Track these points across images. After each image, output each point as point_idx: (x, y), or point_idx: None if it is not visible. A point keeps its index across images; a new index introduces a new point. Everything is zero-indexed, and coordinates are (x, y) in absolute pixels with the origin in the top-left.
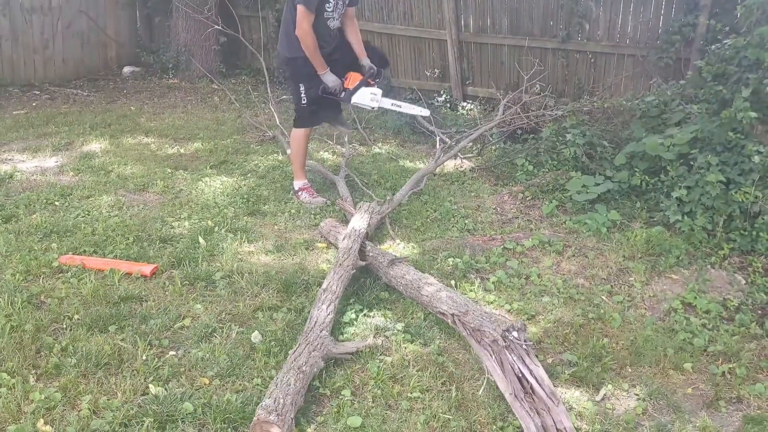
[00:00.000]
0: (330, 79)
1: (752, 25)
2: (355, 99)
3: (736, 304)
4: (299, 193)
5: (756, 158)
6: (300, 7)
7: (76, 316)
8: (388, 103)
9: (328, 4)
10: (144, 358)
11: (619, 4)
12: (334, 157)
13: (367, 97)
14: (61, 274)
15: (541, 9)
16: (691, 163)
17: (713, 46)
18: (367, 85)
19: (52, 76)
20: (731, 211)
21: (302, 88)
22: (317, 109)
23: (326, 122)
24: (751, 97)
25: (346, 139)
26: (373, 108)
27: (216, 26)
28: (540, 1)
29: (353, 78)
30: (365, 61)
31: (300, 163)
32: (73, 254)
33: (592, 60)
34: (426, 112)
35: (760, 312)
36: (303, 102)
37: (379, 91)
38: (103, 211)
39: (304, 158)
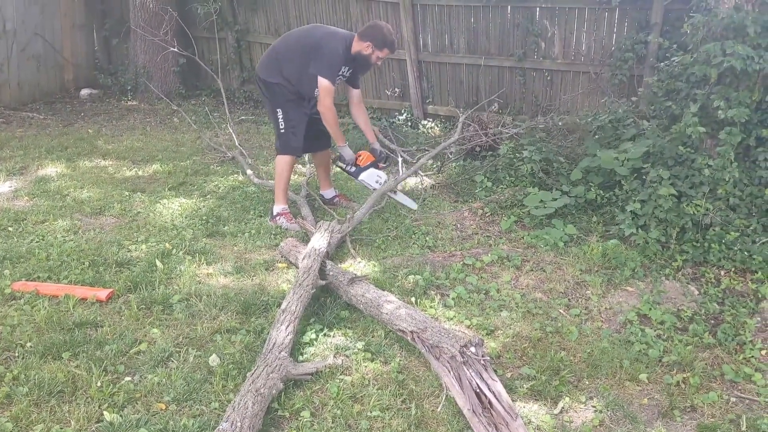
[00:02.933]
0: (347, 152)
1: (698, 42)
2: (363, 176)
3: (690, 315)
4: (277, 218)
5: (706, 171)
6: (324, 82)
7: (28, 344)
8: (387, 188)
9: (337, 80)
10: (99, 384)
11: (574, 23)
12: (295, 176)
13: (373, 178)
14: (13, 301)
15: (498, 28)
16: (644, 177)
17: (662, 64)
18: (376, 167)
19: (7, 99)
20: (684, 223)
21: (280, 114)
22: (298, 135)
23: (310, 152)
24: (699, 112)
25: (307, 159)
26: (374, 189)
27: (172, 48)
28: (496, 21)
29: (366, 157)
30: (376, 145)
31: (282, 187)
32: (27, 280)
33: (549, 78)
34: (414, 206)
35: (712, 322)
36: (281, 128)
37: (384, 176)
38: (58, 236)
39: (286, 183)
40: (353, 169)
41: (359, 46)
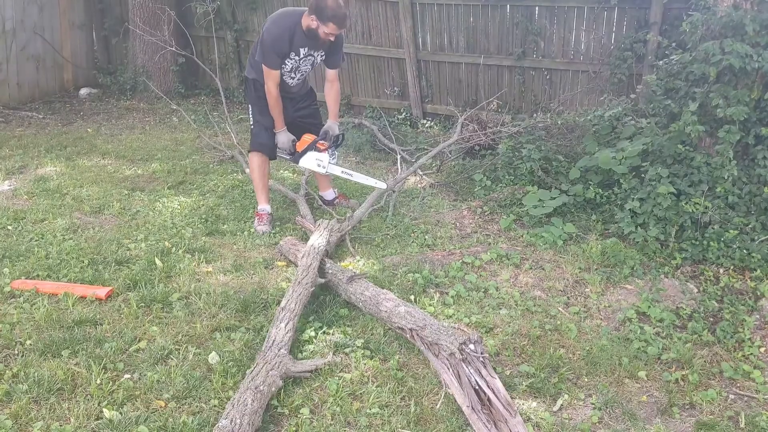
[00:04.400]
0: (281, 138)
1: (697, 40)
2: (302, 162)
3: (689, 312)
4: (254, 220)
5: (705, 170)
6: (264, 67)
7: (28, 342)
8: (338, 171)
9: (284, 66)
10: (98, 382)
11: (573, 22)
12: (294, 175)
13: (313, 163)
14: (13, 300)
15: (497, 27)
16: (643, 175)
17: (661, 62)
18: (316, 149)
19: (6, 99)
20: (682, 221)
21: (250, 110)
22: (265, 134)
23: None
24: (698, 111)
25: None
26: (321, 173)
27: (170, 48)
28: (495, 20)
29: (304, 141)
30: (329, 124)
31: (259, 187)
32: (26, 279)
33: (548, 76)
34: (382, 186)
35: (711, 319)
36: (251, 123)
37: (325, 157)
38: (58, 235)
39: (262, 182)
40: (292, 155)
41: (307, 21)
